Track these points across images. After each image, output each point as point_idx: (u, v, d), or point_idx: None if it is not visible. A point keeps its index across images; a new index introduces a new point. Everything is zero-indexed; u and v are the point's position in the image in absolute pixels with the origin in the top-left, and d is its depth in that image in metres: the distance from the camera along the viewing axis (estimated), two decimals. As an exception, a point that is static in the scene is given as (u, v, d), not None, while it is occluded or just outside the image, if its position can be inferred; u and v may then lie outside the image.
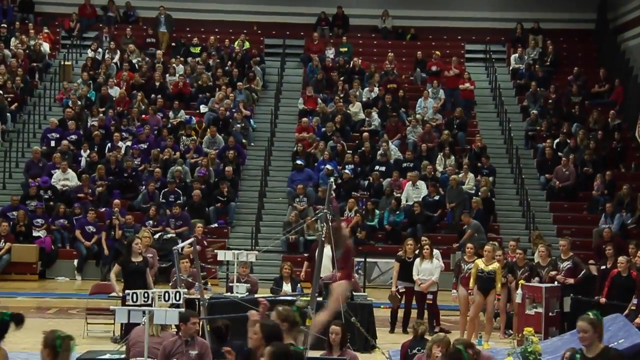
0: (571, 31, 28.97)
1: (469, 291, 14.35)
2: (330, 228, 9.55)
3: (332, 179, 12.61)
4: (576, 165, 23.16)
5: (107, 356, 9.32)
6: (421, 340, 10.42)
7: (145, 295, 11.17)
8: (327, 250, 15.92)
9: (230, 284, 14.44)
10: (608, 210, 21.44)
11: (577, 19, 28.93)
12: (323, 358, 9.12)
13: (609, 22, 28.65)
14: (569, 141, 23.89)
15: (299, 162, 23.01)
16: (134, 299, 10.97)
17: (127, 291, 11.19)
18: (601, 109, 25.30)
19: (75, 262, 21.04)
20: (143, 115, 24.75)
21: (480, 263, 14.16)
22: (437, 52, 27.17)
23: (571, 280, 14.38)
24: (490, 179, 23.01)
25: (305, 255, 18.29)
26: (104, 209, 21.81)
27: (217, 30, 28.64)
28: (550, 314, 13.76)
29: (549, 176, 23.31)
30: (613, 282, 13.87)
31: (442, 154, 23.50)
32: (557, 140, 24.10)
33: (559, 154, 23.56)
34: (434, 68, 26.83)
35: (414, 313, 15.38)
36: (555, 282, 14.34)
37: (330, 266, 15.04)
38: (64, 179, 22.31)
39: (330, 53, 27.59)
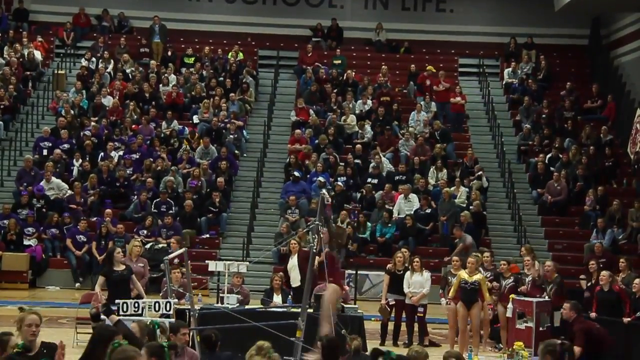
0: (564, 46, 29.08)
1: (448, 301, 14.41)
2: (330, 233, 9.60)
3: (324, 191, 12.64)
4: (568, 181, 23.21)
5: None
6: (357, 356, 10.41)
7: (136, 305, 11.17)
8: (295, 260, 16.04)
9: (222, 295, 14.43)
10: (599, 225, 21.49)
11: (570, 35, 29.06)
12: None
13: (602, 38, 28.78)
14: (561, 156, 23.95)
15: (296, 173, 23.01)
16: (124, 309, 10.97)
17: (117, 301, 11.16)
18: (594, 125, 25.38)
19: (72, 271, 20.95)
20: (135, 125, 24.73)
21: (463, 274, 14.16)
22: (430, 68, 27.10)
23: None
24: (483, 180, 23.01)
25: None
26: (95, 219, 21.77)
27: (211, 41, 28.67)
28: (540, 328, 13.77)
29: (541, 191, 23.35)
30: (598, 298, 13.93)
31: (434, 167, 23.53)
32: (549, 155, 24.16)
33: (551, 168, 23.62)
34: (428, 82, 26.76)
35: (404, 326, 15.39)
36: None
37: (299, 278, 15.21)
38: (49, 188, 22.24)
39: (324, 65, 27.65)
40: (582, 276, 18.21)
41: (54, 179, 22.35)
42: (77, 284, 20.83)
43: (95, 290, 13.29)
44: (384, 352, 7.18)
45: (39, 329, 7.39)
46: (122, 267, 13.11)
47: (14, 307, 18.08)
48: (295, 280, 15.63)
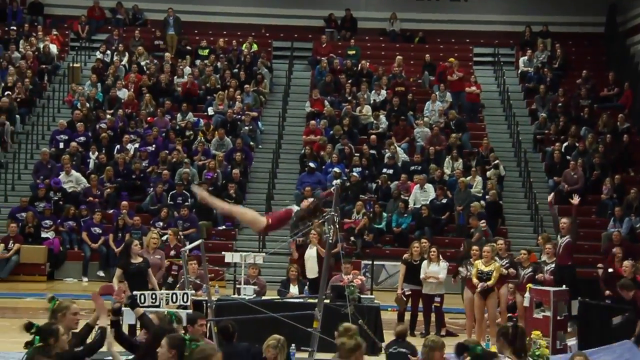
0: (580, 34, 28.92)
1: (467, 274, 14.52)
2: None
3: (338, 181, 12.73)
4: (585, 169, 23.10)
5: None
6: (402, 341, 10.41)
7: (153, 296, 11.22)
8: (312, 251, 16.10)
9: (238, 286, 14.46)
10: (617, 214, 21.39)
11: (586, 23, 28.89)
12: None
13: (619, 26, 28.60)
14: (577, 145, 23.84)
15: (311, 164, 23.01)
16: (142, 301, 11.01)
17: (134, 292, 11.19)
18: (610, 113, 25.23)
19: (97, 263, 21.11)
20: (150, 118, 24.79)
21: (479, 264, 14.20)
22: (452, 60, 26.84)
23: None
24: (501, 168, 22.98)
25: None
26: (112, 211, 21.87)
27: (225, 32, 28.68)
28: (558, 317, 13.73)
29: (557, 179, 23.24)
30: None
31: (449, 157, 23.49)
32: (565, 144, 24.06)
33: (568, 157, 23.51)
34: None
35: (421, 316, 15.38)
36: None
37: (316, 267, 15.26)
38: (68, 180, 22.35)
39: (338, 56, 27.60)
40: (599, 265, 18.13)
41: (73, 172, 22.47)
42: (85, 279, 20.94)
43: (113, 283, 13.25)
44: (469, 347, 7.06)
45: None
46: (140, 259, 13.14)
47: (33, 299, 18.29)
48: (312, 271, 15.71)
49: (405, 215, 21.84)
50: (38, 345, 6.44)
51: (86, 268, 21.10)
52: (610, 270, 15.11)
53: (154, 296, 11.25)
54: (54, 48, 27.45)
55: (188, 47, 27.95)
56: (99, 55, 27.36)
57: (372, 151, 23.80)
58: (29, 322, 6.85)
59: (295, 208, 9.56)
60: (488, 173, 23.01)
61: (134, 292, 11.27)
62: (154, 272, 13.80)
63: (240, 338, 9.82)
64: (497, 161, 23.31)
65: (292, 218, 9.48)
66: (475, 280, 14.24)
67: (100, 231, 21.21)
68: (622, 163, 23.76)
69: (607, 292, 14.18)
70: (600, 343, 12.54)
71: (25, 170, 23.68)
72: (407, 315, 15.42)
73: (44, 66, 26.94)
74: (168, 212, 21.34)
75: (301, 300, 13.79)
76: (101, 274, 20.91)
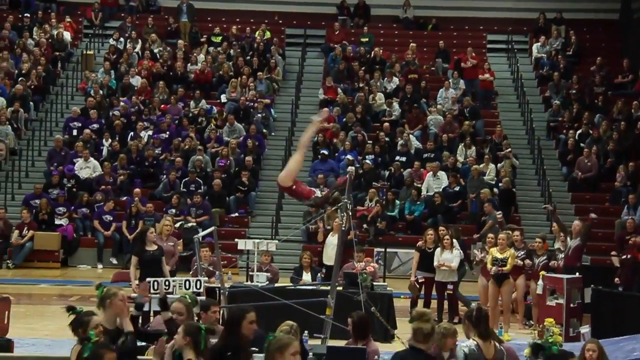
0: (595, 21, 28.75)
1: (482, 257, 14.55)
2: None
3: (352, 168, 12.80)
4: (598, 157, 23.03)
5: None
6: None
7: (166, 283, 11.26)
8: (334, 239, 16.14)
9: (251, 273, 14.50)
10: (631, 201, 21.30)
11: (600, 9, 28.72)
12: (345, 347, 9.11)
13: (633, 12, 28.41)
14: (591, 132, 23.75)
15: (323, 151, 23.02)
16: (155, 287, 11.06)
17: (148, 279, 11.23)
18: (624, 100, 25.10)
19: (110, 250, 21.19)
20: (163, 105, 24.83)
21: (494, 252, 14.17)
22: (469, 49, 26.72)
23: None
24: (513, 160, 22.92)
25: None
26: (125, 198, 21.93)
27: (238, 20, 28.66)
28: (571, 305, 13.71)
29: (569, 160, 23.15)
30: (636, 271, 13.84)
31: (463, 144, 23.44)
32: (579, 131, 23.97)
33: (582, 144, 23.43)
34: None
35: (434, 303, 15.39)
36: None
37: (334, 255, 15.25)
38: (86, 167, 22.45)
39: (351, 43, 27.54)
40: (613, 252, 18.10)
41: (91, 159, 22.54)
42: (100, 265, 21.01)
43: (131, 271, 13.24)
44: (544, 347, 7.05)
45: None
46: (154, 247, 13.17)
47: (47, 286, 18.39)
48: (331, 258, 15.63)
49: (418, 202, 21.83)
50: (95, 340, 6.46)
51: (100, 255, 21.18)
52: (623, 257, 15.07)
53: (167, 282, 11.31)
54: (67, 35, 27.51)
55: (205, 37, 27.91)
56: (112, 42, 27.41)
57: (385, 138, 23.78)
58: (71, 305, 6.99)
59: (318, 193, 9.72)
60: (500, 164, 22.90)
61: (147, 279, 11.31)
62: (167, 258, 13.84)
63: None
64: (509, 150, 23.21)
65: (310, 200, 9.68)
66: (490, 267, 14.23)
67: (111, 218, 21.28)
68: (636, 150, 23.62)
69: (616, 279, 14.12)
70: (613, 330, 12.50)
71: (39, 157, 23.77)
72: (420, 303, 15.42)
73: (57, 53, 27.00)
74: (180, 199, 21.39)
75: (314, 287, 13.81)
76: (114, 261, 20.99)
